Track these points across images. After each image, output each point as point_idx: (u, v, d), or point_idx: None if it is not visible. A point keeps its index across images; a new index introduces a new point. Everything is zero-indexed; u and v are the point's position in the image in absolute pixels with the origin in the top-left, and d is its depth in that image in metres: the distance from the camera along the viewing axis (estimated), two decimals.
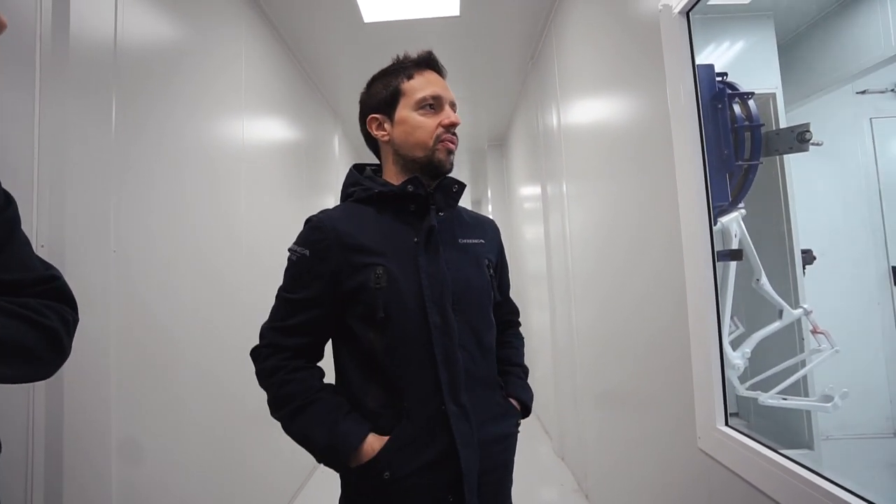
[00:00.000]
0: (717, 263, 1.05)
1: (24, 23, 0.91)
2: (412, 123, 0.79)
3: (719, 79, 1.27)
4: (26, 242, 0.57)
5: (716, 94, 1.23)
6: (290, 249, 0.78)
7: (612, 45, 1.55)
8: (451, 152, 0.80)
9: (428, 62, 0.83)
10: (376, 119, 0.83)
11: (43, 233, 0.91)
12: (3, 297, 0.50)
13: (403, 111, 0.80)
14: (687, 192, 1.07)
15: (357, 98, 0.88)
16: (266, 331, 0.79)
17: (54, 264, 0.60)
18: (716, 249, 1.04)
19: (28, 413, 0.87)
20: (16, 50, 0.89)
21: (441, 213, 0.80)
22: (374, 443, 0.72)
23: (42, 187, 0.91)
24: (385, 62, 0.86)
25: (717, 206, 1.18)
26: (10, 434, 0.83)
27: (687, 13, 1.04)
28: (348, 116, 3.61)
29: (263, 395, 0.77)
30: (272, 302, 0.81)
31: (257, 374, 0.78)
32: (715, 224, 1.06)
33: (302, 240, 0.78)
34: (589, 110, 1.85)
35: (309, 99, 2.91)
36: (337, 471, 0.75)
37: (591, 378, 2.00)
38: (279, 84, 2.37)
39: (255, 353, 0.79)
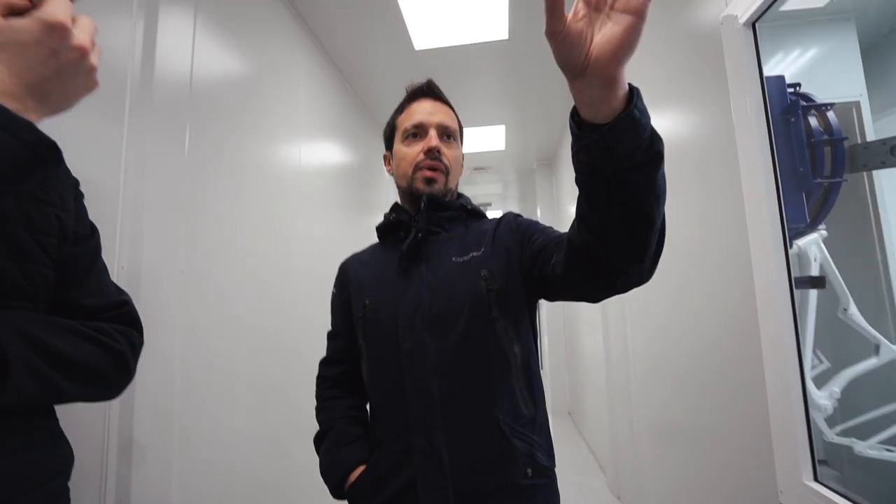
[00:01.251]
0: (796, 291, 0.95)
1: (118, 68, 1.02)
2: (399, 155, 0.81)
3: (791, 90, 1.17)
4: (104, 269, 0.62)
5: (787, 107, 1.13)
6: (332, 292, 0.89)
7: (668, 58, 1.48)
8: (430, 180, 0.76)
9: (418, 92, 0.82)
10: (386, 157, 0.88)
11: (124, 256, 0.99)
12: (80, 320, 0.55)
13: (396, 145, 0.82)
14: (756, 213, 0.98)
15: None
16: (319, 364, 0.90)
17: (132, 286, 0.65)
18: (793, 275, 0.94)
19: (104, 428, 0.94)
20: (109, 93, 1.00)
21: (420, 234, 0.75)
22: (356, 474, 0.73)
23: (125, 214, 1.00)
24: None
25: (793, 228, 1.07)
26: (87, 447, 0.90)
27: (753, 24, 0.97)
28: None
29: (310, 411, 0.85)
30: (323, 318, 0.91)
31: None
32: (790, 247, 0.96)
33: (335, 280, 0.89)
34: None
35: (361, 124, 3.04)
36: (335, 498, 0.76)
37: (649, 408, 1.86)
38: (334, 110, 2.49)
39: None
